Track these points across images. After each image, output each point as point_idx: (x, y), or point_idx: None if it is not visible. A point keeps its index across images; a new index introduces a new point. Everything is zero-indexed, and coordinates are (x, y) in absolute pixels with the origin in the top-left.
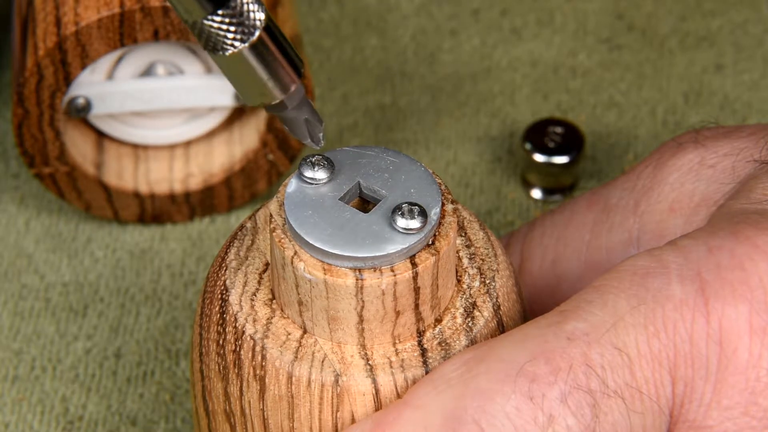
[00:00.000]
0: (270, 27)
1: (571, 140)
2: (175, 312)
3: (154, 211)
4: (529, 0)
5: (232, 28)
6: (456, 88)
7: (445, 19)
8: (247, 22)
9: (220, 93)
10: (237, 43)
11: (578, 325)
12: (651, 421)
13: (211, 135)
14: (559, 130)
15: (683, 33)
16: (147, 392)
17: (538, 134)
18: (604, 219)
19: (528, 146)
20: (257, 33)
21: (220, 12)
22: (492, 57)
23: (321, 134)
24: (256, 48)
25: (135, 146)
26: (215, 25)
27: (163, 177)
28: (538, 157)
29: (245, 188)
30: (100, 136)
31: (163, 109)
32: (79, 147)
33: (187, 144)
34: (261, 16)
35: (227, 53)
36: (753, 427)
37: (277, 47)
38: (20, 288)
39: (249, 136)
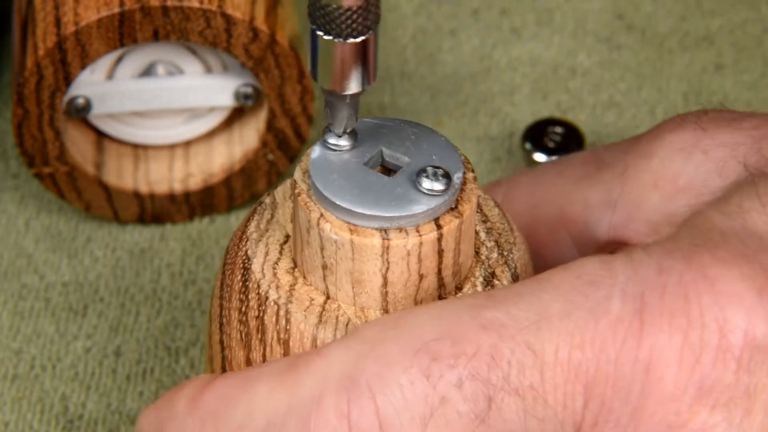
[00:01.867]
0: (366, 42)
1: (571, 140)
2: (175, 312)
3: (154, 211)
4: (529, 0)
5: (359, 20)
6: (456, 88)
7: (445, 19)
8: (363, 23)
9: (220, 93)
10: (349, 35)
11: (498, 316)
12: (551, 429)
13: (210, 135)
14: (559, 130)
15: (683, 33)
16: (146, 390)
17: (538, 134)
18: (593, 174)
19: (528, 146)
20: (370, 33)
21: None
22: (492, 57)
23: (350, 129)
24: (362, 45)
25: (135, 146)
26: (343, 14)
27: (162, 177)
28: (538, 157)
29: (245, 188)
30: (100, 136)
31: (163, 109)
32: (79, 147)
33: (187, 144)
34: (377, 19)
35: (336, 40)
36: None
37: (373, 52)
38: (20, 288)
39: (249, 136)
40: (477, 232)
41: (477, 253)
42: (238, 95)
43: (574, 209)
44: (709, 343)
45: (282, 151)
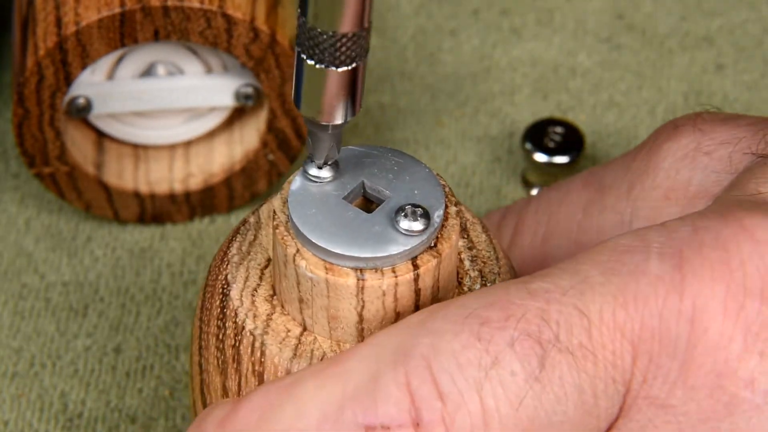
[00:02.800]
0: (357, 70)
1: (571, 140)
2: (176, 311)
3: (154, 211)
4: (529, 0)
5: (351, 48)
6: (456, 88)
7: (445, 19)
8: (353, 52)
9: (220, 93)
10: (337, 63)
11: (543, 285)
12: (603, 387)
13: (211, 135)
14: (559, 130)
15: (683, 33)
16: (146, 387)
17: (538, 134)
18: (598, 199)
19: (528, 146)
20: (357, 63)
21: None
22: (492, 57)
23: (331, 161)
24: (351, 75)
25: (135, 146)
26: (333, 41)
27: (163, 177)
28: (538, 157)
29: (245, 188)
30: (101, 136)
31: (163, 109)
32: (80, 147)
33: (188, 144)
34: (366, 49)
35: (323, 68)
36: (717, 411)
37: (360, 82)
38: (20, 287)
39: (249, 136)
40: (461, 260)
41: (460, 282)
42: (238, 95)
43: (586, 237)
44: (752, 290)
45: (282, 151)
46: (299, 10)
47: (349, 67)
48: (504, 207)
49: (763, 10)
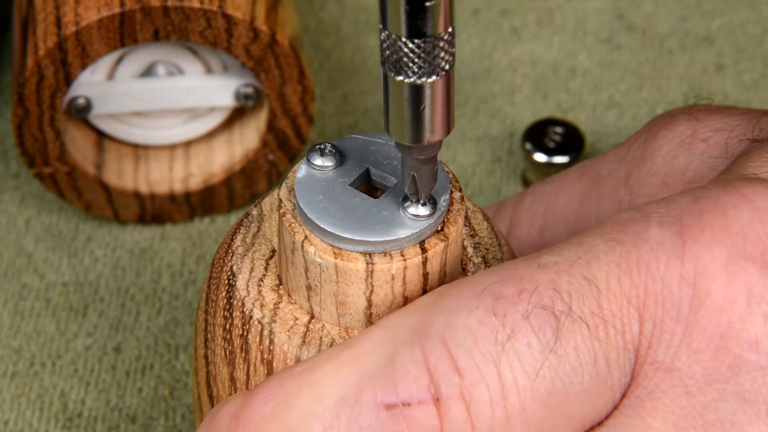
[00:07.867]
0: (450, 76)
1: (571, 140)
2: (176, 312)
3: (154, 211)
4: (529, 0)
5: (423, 59)
6: (456, 88)
7: None
8: (435, 61)
9: (220, 93)
10: (420, 75)
11: (551, 258)
12: (615, 356)
13: (211, 135)
14: (559, 130)
15: (683, 33)
16: (146, 386)
17: (538, 134)
18: (594, 189)
19: (528, 146)
20: (439, 76)
21: (416, 41)
22: (492, 57)
23: (427, 194)
24: (430, 88)
25: (135, 146)
26: (410, 48)
27: (163, 177)
28: (538, 157)
29: (245, 188)
30: (101, 136)
31: (163, 109)
32: (80, 147)
33: (188, 144)
34: (451, 60)
35: (405, 80)
36: (722, 373)
37: (446, 97)
38: (20, 288)
39: (249, 136)
40: (465, 248)
41: (464, 269)
42: (238, 95)
43: (585, 226)
44: (754, 254)
45: (282, 151)
46: (385, 30)
47: (439, 77)
48: (497, 202)
49: (763, 10)
